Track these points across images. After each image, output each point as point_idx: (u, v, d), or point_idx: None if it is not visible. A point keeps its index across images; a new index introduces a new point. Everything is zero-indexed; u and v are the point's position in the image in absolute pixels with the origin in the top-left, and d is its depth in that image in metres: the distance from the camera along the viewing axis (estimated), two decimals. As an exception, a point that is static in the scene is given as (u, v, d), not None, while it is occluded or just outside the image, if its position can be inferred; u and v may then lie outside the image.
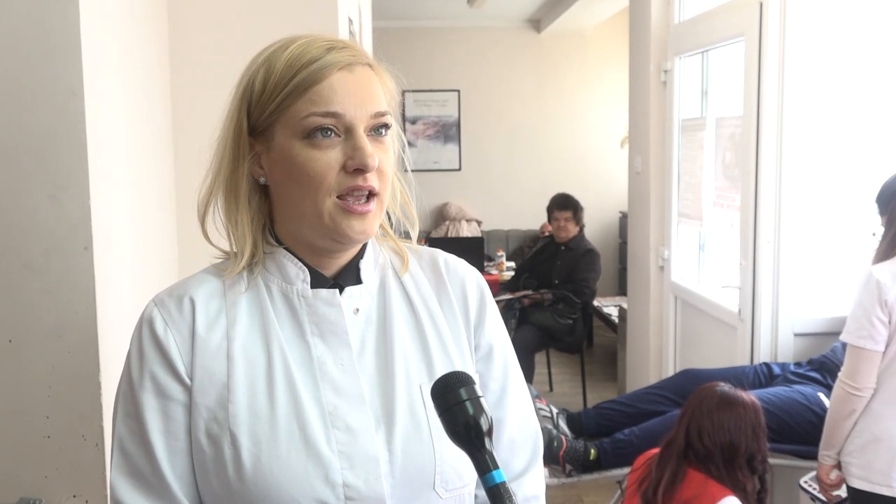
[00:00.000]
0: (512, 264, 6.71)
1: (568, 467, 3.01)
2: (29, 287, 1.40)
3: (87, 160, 1.40)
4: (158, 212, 1.89)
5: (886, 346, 2.44)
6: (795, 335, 3.35)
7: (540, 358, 5.70)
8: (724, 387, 2.31)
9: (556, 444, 2.99)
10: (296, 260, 1.02)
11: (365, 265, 1.06)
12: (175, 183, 2.00)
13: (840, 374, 2.52)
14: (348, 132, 0.96)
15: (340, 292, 1.03)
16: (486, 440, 0.85)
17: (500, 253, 6.80)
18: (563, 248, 5.49)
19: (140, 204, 1.76)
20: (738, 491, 2.16)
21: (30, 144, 1.38)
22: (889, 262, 2.46)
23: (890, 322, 2.42)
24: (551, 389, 5.82)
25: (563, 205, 5.50)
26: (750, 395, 2.31)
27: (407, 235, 1.14)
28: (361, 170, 0.96)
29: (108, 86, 1.55)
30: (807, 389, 3.00)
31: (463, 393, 0.87)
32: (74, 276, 1.40)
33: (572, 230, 5.45)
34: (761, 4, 3.25)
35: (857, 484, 2.47)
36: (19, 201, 1.39)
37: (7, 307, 1.40)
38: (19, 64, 1.37)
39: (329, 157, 0.96)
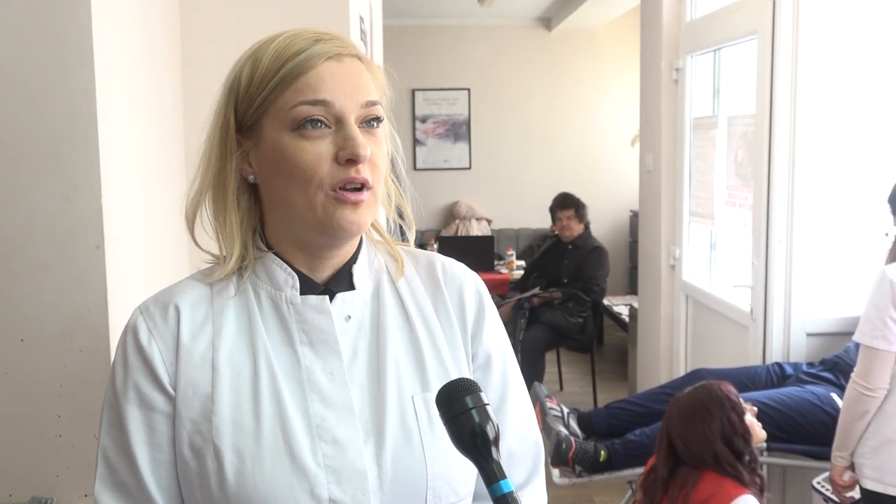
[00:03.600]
0: (522, 263, 6.70)
1: (578, 468, 3.00)
2: (41, 286, 1.40)
3: (99, 159, 1.40)
4: (169, 211, 1.89)
5: None
6: (808, 335, 3.33)
7: (550, 357, 5.69)
8: (680, 396, 2.30)
9: (565, 445, 2.98)
10: (285, 265, 0.99)
11: (358, 270, 1.02)
12: (186, 181, 1.99)
13: (853, 374, 2.50)
14: (339, 122, 0.93)
15: (332, 299, 1.00)
16: (493, 449, 0.83)
17: (509, 252, 6.78)
18: (570, 246, 5.48)
19: (151, 203, 1.76)
20: (739, 481, 2.16)
21: (42, 143, 1.38)
22: None
23: None
24: (561, 389, 5.81)
25: (564, 204, 5.50)
26: (707, 387, 2.27)
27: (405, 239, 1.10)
28: (353, 160, 0.93)
29: (119, 85, 1.55)
30: (819, 390, 2.98)
31: (469, 401, 0.84)
32: (86, 275, 1.41)
33: (576, 228, 5.45)
34: (774, 2, 3.23)
35: (870, 485, 2.45)
36: (32, 200, 1.39)
37: (19, 306, 1.40)
38: (31, 63, 1.37)
39: (319, 148, 0.93)
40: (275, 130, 0.94)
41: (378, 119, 0.97)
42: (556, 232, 5.73)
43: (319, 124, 0.93)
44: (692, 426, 2.22)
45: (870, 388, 2.43)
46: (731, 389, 2.27)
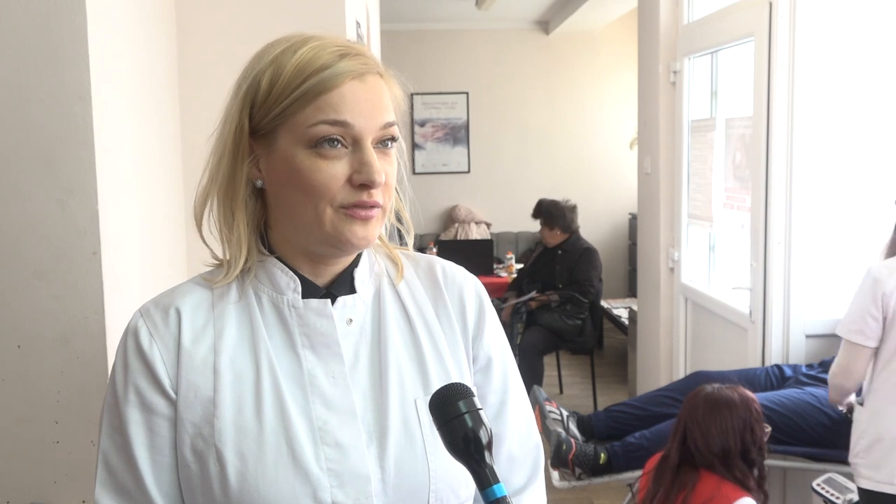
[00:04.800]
0: (521, 266, 6.70)
1: (578, 471, 2.99)
2: (37, 292, 1.40)
3: (95, 165, 1.40)
4: (166, 216, 1.89)
5: (883, 344, 2.48)
6: (807, 337, 3.33)
7: (550, 360, 5.69)
8: (709, 389, 2.31)
9: (564, 447, 2.98)
10: (286, 269, 0.99)
11: (359, 274, 1.03)
12: (183, 187, 2.00)
13: (832, 365, 2.60)
14: (356, 144, 0.93)
15: (333, 302, 1.00)
16: (486, 454, 0.83)
17: (509, 255, 6.78)
18: (559, 252, 5.47)
19: (148, 209, 1.76)
20: (744, 488, 2.16)
21: (38, 149, 1.38)
22: (891, 259, 2.51)
23: (885, 319, 2.47)
24: (561, 392, 5.81)
25: (535, 214, 5.48)
26: (737, 389, 2.29)
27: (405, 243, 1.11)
28: (367, 185, 0.93)
29: (115, 90, 1.55)
30: (818, 391, 2.98)
31: (462, 406, 0.85)
32: (82, 281, 1.41)
33: (559, 236, 5.43)
34: (770, 4, 3.24)
35: (865, 484, 2.48)
36: (28, 206, 1.39)
37: (15, 313, 1.40)
38: (27, 69, 1.37)
39: (335, 169, 0.93)
40: (290, 144, 0.94)
41: (393, 139, 0.97)
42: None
43: (337, 143, 0.93)
44: (717, 416, 2.22)
45: (845, 380, 2.56)
46: (758, 403, 2.29)
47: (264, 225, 1.02)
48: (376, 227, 0.97)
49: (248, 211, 0.99)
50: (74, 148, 1.39)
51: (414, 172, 7.91)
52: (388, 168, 0.96)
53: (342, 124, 0.92)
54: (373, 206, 0.95)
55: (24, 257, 1.39)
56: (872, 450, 2.46)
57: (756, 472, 2.23)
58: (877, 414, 2.47)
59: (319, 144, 0.92)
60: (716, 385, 2.33)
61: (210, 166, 0.99)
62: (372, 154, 0.94)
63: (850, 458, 2.53)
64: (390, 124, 0.96)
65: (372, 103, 0.94)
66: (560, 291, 5.32)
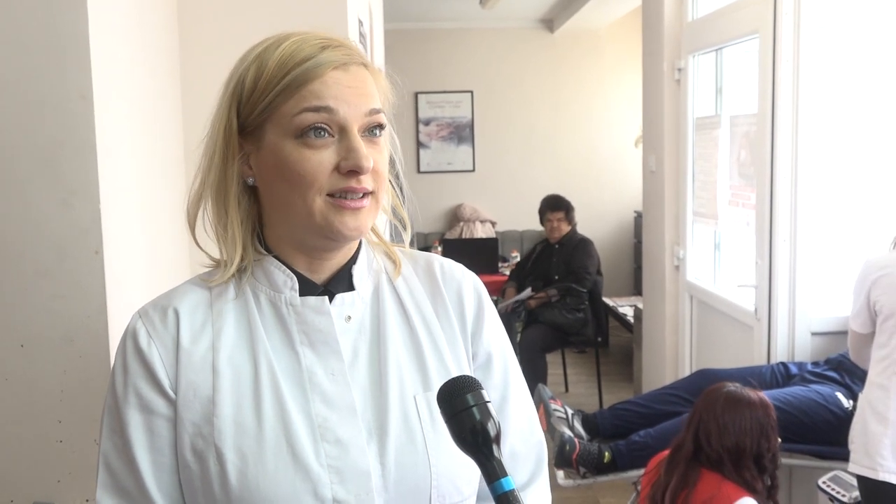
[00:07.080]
0: (518, 259, 6.69)
1: (582, 470, 2.99)
2: (40, 292, 1.40)
3: (97, 164, 1.40)
4: (168, 215, 1.89)
5: (876, 333, 2.55)
6: (812, 334, 3.32)
7: (555, 359, 5.69)
8: (731, 387, 2.30)
9: (568, 447, 2.98)
10: (283, 267, 0.99)
11: (357, 271, 1.03)
12: (185, 186, 1.99)
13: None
14: (342, 132, 0.94)
15: (331, 299, 1.00)
16: (494, 447, 0.83)
17: (514, 254, 6.78)
18: (557, 246, 5.55)
19: (150, 208, 1.77)
20: (750, 491, 2.15)
21: (41, 149, 1.39)
22: (889, 252, 2.57)
23: (874, 307, 2.53)
24: (567, 390, 5.81)
25: (556, 206, 5.57)
26: (758, 393, 2.29)
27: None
28: (356, 171, 0.93)
29: (117, 89, 1.55)
30: (824, 389, 2.97)
31: (470, 398, 0.85)
32: (85, 280, 1.41)
33: (565, 229, 5.53)
34: (775, 1, 3.23)
35: (853, 468, 2.51)
36: (31, 206, 1.39)
37: (18, 312, 1.40)
38: (29, 68, 1.37)
39: (322, 157, 0.93)
40: (277, 137, 0.94)
41: (381, 127, 0.97)
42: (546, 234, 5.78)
43: (323, 133, 0.93)
44: (735, 413, 2.21)
45: (858, 361, 2.72)
46: (775, 411, 2.30)
47: (260, 224, 1.02)
48: (369, 217, 0.97)
49: (242, 209, 0.99)
50: (76, 147, 1.39)
51: (419, 171, 7.91)
52: (376, 156, 0.96)
53: (326, 110, 0.92)
54: (363, 195, 0.95)
55: (27, 257, 1.40)
56: (861, 434, 2.50)
57: (767, 479, 2.22)
58: (868, 402, 2.52)
59: (305, 134, 0.93)
60: (737, 384, 2.33)
61: (202, 167, 1.00)
62: (358, 140, 0.94)
63: (850, 445, 2.55)
64: (376, 111, 0.96)
65: (355, 90, 0.94)
66: (557, 284, 5.34)
